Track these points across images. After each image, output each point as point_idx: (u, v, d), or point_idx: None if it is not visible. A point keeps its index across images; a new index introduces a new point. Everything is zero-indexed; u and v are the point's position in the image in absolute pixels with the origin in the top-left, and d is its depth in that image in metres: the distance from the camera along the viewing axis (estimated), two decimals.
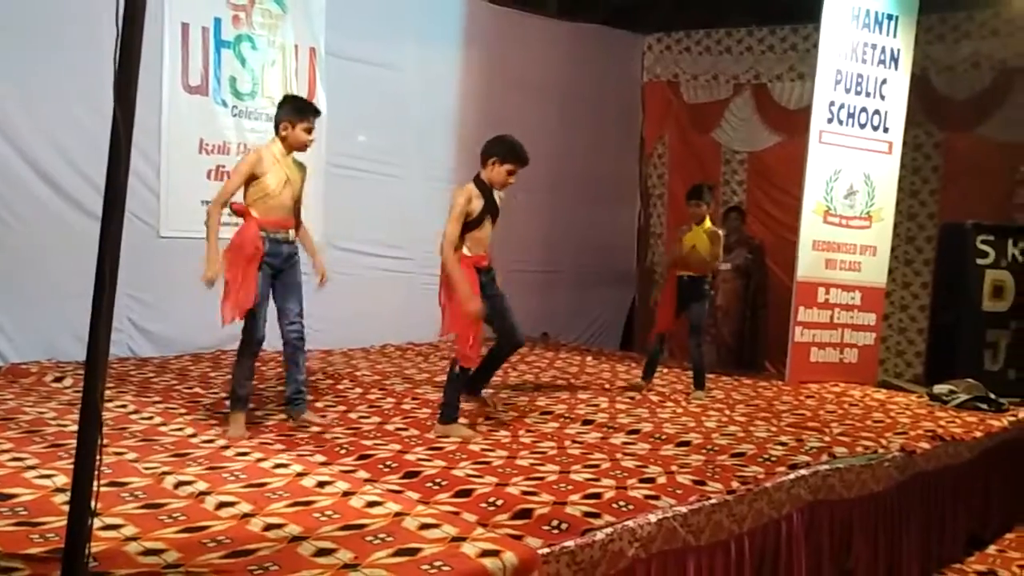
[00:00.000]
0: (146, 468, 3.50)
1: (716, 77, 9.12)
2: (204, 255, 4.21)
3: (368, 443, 4.16)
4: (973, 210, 7.32)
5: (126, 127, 1.86)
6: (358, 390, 5.52)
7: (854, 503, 4.12)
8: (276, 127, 4.38)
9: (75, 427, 4.00)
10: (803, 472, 3.92)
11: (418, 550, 2.71)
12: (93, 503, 1.98)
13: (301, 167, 4.49)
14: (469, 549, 2.73)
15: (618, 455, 4.11)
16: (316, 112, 4.42)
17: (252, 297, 4.17)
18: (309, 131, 4.37)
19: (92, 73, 5.81)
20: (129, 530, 2.78)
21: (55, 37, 5.77)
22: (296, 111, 4.34)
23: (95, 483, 1.98)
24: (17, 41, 5.61)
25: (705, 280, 5.87)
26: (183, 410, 4.69)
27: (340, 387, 5.58)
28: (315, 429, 4.41)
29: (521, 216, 8.37)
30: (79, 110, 5.86)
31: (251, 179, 4.27)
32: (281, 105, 4.42)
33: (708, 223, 5.85)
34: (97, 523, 2.28)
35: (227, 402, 4.53)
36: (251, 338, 4.32)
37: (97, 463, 1.99)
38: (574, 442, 4.36)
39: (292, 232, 4.47)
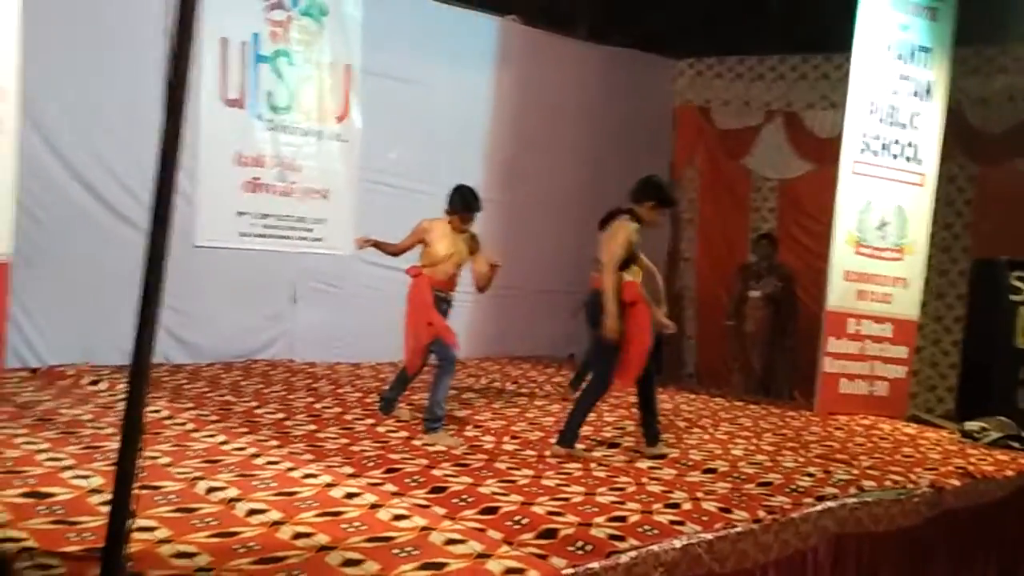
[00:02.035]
0: (179, 473, 3.55)
1: (748, 103, 9.12)
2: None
3: (395, 456, 4.19)
4: (1007, 245, 7.23)
5: (174, 142, 1.91)
6: None
7: (881, 537, 4.08)
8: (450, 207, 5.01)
9: (111, 430, 4.10)
10: (830, 504, 3.90)
11: (444, 565, 2.73)
12: (132, 506, 2.01)
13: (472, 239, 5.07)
14: (494, 566, 2.75)
15: (643, 479, 4.10)
16: (479, 209, 5.04)
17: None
18: (466, 220, 5.00)
19: (131, 82, 5.97)
20: (162, 532, 2.83)
21: (96, 47, 5.91)
22: (465, 207, 4.98)
23: (134, 486, 2.01)
24: (60, 50, 5.73)
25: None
26: (215, 417, 4.74)
27: (368, 400, 5.62)
28: (344, 441, 4.45)
29: (551, 238, 8.42)
30: (118, 119, 5.99)
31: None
32: (456, 191, 5.02)
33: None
34: None
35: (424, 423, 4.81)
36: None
37: (138, 467, 2.03)
38: (600, 464, 4.36)
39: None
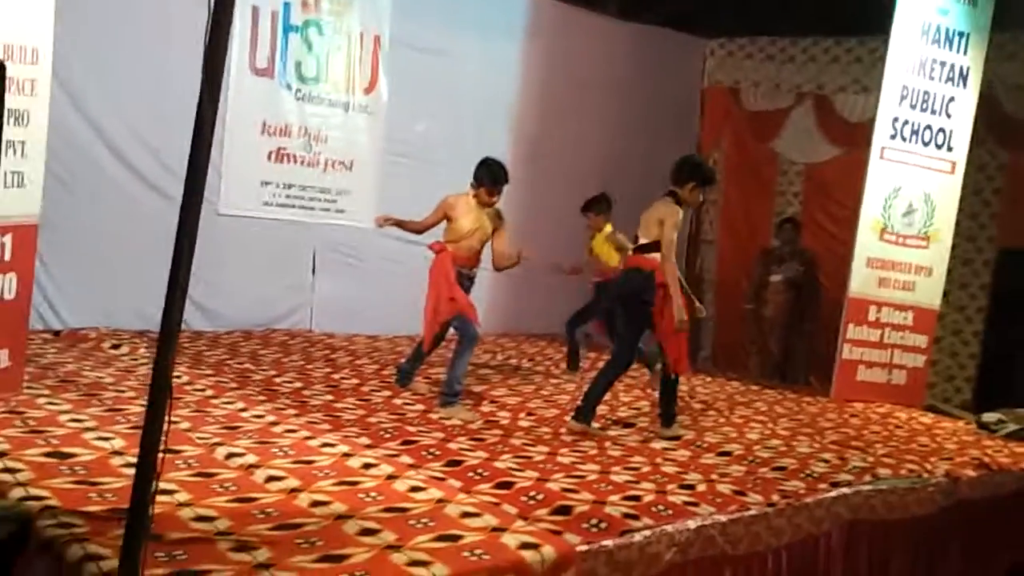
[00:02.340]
0: (199, 438, 3.60)
1: (778, 85, 9.00)
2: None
3: (412, 429, 4.22)
4: None
5: (211, 112, 1.92)
6: None
7: (894, 525, 4.08)
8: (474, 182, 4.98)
9: (132, 393, 4.16)
10: (845, 491, 3.90)
11: (459, 537, 2.76)
12: (158, 468, 2.04)
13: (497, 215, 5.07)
14: (509, 540, 2.78)
15: (658, 460, 4.12)
16: (506, 182, 5.01)
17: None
18: (493, 194, 4.98)
19: (160, 48, 6.00)
20: (182, 496, 2.87)
21: (125, 14, 5.92)
22: (493, 181, 4.95)
23: (161, 449, 2.04)
24: (89, 17, 5.74)
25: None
26: (234, 384, 4.80)
27: (385, 373, 5.65)
28: (361, 412, 4.49)
29: (572, 216, 8.37)
30: (147, 84, 6.02)
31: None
32: (483, 164, 4.99)
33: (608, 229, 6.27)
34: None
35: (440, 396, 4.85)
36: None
37: (165, 431, 2.06)
38: (615, 443, 4.38)
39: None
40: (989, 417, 6.00)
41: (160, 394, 2.03)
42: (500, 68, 7.95)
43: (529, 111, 8.12)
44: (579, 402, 4.68)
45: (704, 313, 5.32)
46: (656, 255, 4.51)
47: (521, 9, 8.08)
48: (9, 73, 3.11)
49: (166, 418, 2.11)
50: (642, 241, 4.63)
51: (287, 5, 6.68)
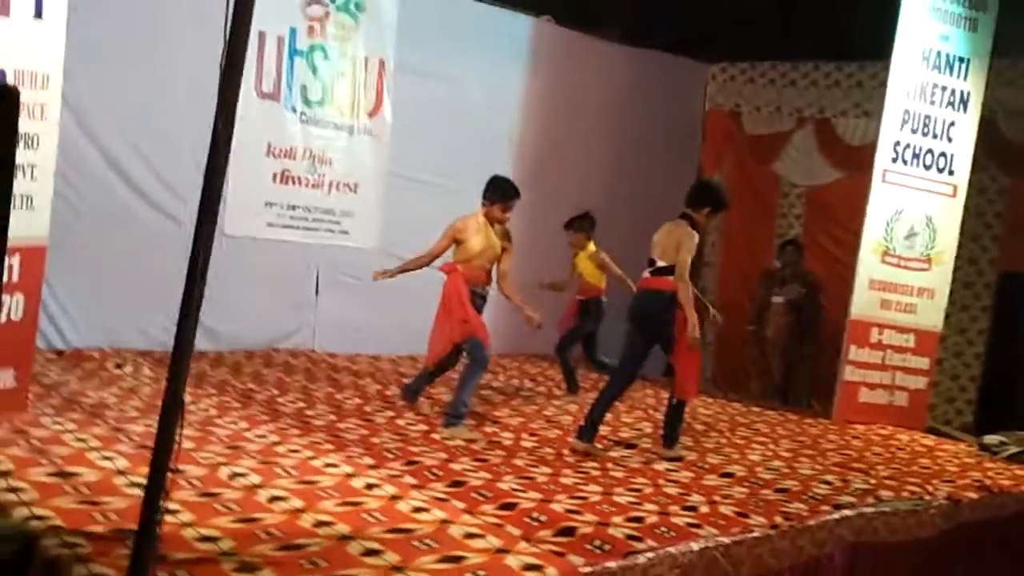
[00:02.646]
0: (203, 458, 3.61)
1: (779, 109, 9.07)
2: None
3: (415, 449, 4.23)
4: None
5: (227, 138, 1.96)
6: None
7: (897, 548, 4.07)
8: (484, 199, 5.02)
9: (135, 413, 4.18)
10: (847, 513, 3.90)
11: (463, 558, 2.77)
12: (166, 490, 2.06)
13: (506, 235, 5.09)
14: (513, 562, 2.78)
15: (660, 481, 4.12)
16: (518, 197, 5.05)
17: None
18: (506, 210, 5.02)
19: (163, 70, 6.06)
20: (186, 516, 2.89)
21: (129, 36, 5.97)
22: (504, 196, 5.00)
23: (170, 470, 2.06)
24: (93, 39, 5.79)
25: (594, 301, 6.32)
26: (237, 404, 4.82)
27: (388, 393, 5.67)
28: (364, 432, 4.50)
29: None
30: (152, 106, 6.08)
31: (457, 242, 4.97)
32: (494, 181, 5.04)
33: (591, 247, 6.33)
34: None
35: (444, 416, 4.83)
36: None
37: (175, 450, 2.08)
38: (617, 464, 4.39)
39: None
40: (991, 439, 6.00)
41: (172, 413, 2.05)
42: (503, 92, 8.02)
43: (532, 134, 8.18)
44: (582, 421, 4.70)
45: (720, 320, 5.41)
46: (673, 277, 4.63)
47: (524, 34, 8.16)
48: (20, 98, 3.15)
49: (176, 438, 2.13)
50: (660, 264, 4.73)
51: (293, 30, 6.76)
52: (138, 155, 6.16)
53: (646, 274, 4.81)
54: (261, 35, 6.58)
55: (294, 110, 6.81)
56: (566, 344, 6.50)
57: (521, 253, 5.61)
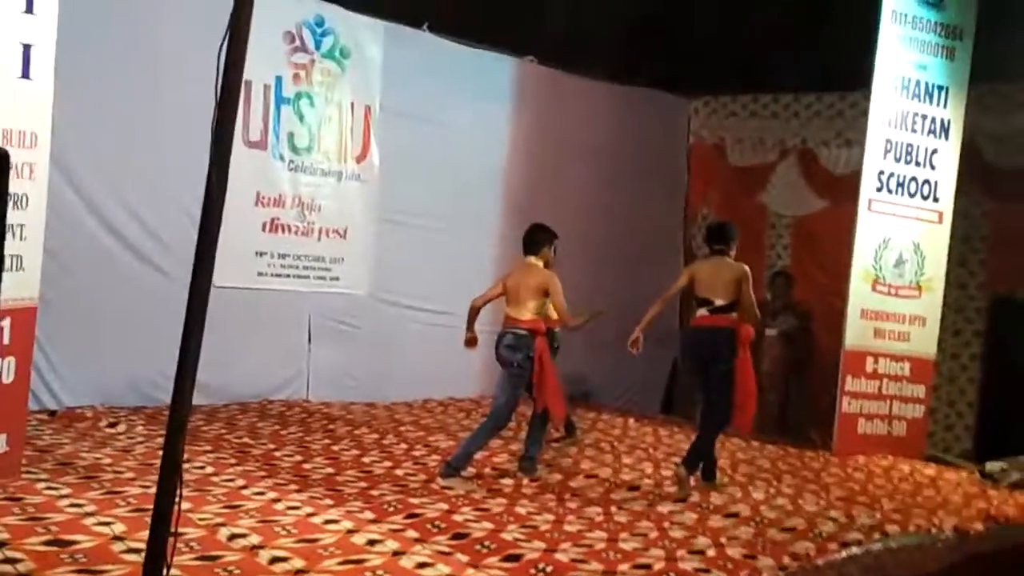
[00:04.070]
0: (200, 519, 3.55)
1: (762, 140, 9.16)
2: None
3: (415, 501, 4.17)
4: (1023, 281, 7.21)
5: (220, 191, 1.95)
6: (403, 446, 5.55)
7: None
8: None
9: (131, 474, 4.10)
10: (855, 550, 3.86)
11: None
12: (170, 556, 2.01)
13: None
14: None
15: (665, 524, 4.08)
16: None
17: None
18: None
19: (151, 123, 6.05)
20: None
21: (117, 88, 5.96)
22: (552, 236, 5.13)
23: (173, 534, 2.02)
24: (80, 91, 5.79)
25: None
26: (233, 460, 4.75)
27: (385, 442, 5.61)
28: (363, 484, 4.44)
29: (565, 276, 8.42)
30: (140, 160, 6.06)
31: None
32: (537, 231, 5.11)
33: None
34: None
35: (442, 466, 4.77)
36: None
37: (175, 514, 2.04)
38: (620, 508, 4.34)
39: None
40: (992, 466, 5.99)
41: (170, 480, 2.01)
42: (489, 133, 8.06)
43: (519, 174, 8.22)
44: (684, 460, 4.85)
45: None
46: (733, 314, 4.86)
47: (509, 75, 8.23)
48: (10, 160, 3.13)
49: (176, 504, 2.09)
50: (719, 303, 4.94)
51: (279, 78, 6.78)
52: (127, 210, 6.11)
53: (703, 312, 4.99)
54: (247, 84, 6.58)
55: (282, 158, 6.81)
56: None
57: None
